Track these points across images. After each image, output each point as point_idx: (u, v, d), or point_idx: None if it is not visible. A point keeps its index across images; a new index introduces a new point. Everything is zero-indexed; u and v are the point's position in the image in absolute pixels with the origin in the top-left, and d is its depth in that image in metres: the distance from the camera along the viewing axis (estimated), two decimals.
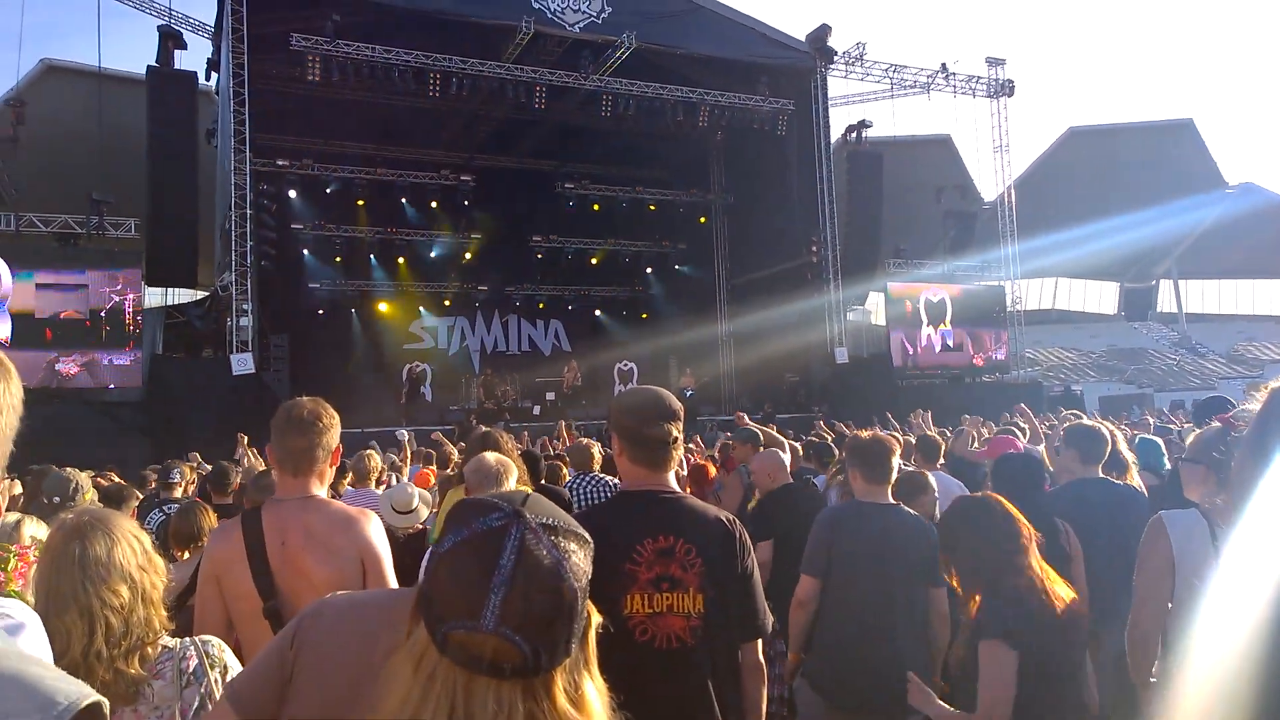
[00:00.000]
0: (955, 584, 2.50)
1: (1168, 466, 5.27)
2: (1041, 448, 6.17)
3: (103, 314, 14.79)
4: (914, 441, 6.19)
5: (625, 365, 23.44)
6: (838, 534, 3.43)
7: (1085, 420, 5.62)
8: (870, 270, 21.79)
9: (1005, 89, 23.34)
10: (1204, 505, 2.60)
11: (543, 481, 5.00)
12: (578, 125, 20.58)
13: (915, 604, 3.32)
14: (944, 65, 22.63)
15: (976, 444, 6.98)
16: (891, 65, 22.25)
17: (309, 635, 1.37)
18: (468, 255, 23.00)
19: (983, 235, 24.13)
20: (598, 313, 25.43)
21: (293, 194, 19.90)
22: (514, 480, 3.03)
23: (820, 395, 19.70)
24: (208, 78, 17.77)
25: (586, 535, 1.08)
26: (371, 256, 22.04)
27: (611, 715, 1.10)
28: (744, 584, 2.27)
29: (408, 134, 20.65)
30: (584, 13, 17.68)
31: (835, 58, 20.89)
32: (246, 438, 8.25)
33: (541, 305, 24.69)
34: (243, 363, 14.94)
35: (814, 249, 20.46)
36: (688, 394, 17.65)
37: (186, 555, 3.69)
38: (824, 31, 20.52)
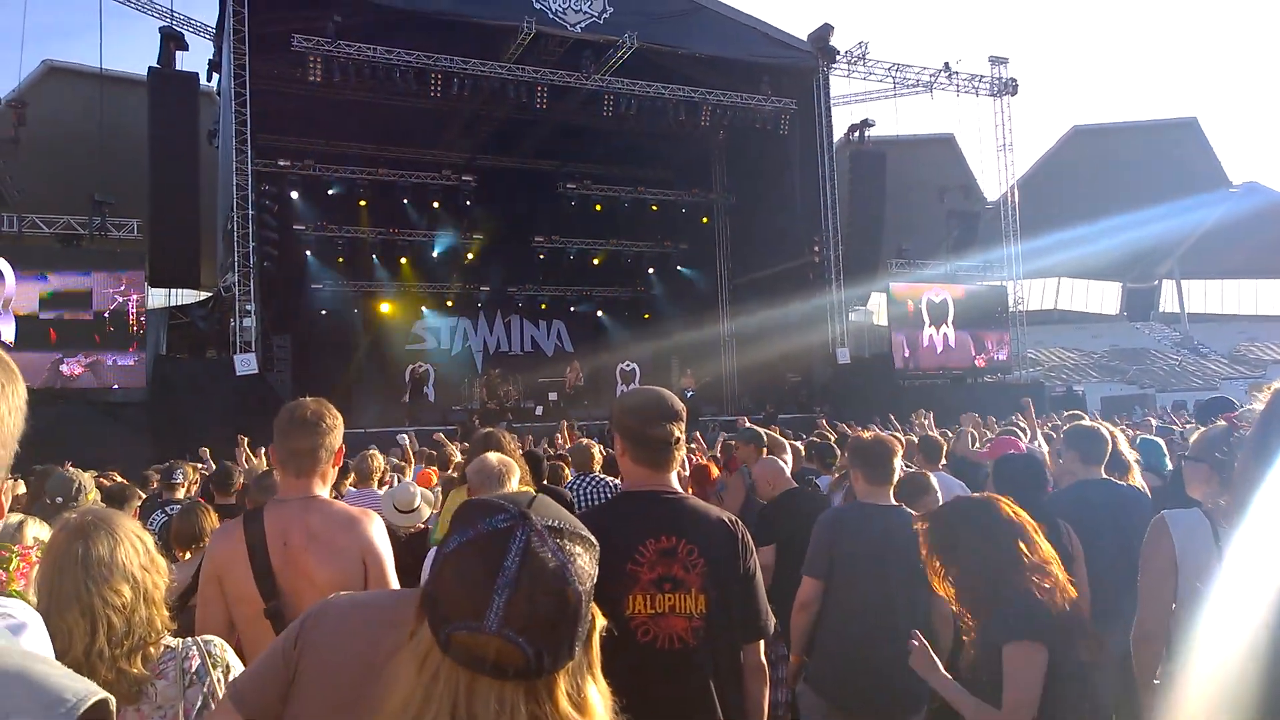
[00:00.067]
0: (942, 587, 2.45)
1: (1169, 467, 5.27)
2: (1046, 451, 6.16)
3: (106, 315, 14.82)
4: (916, 442, 6.19)
5: (627, 365, 23.45)
6: (839, 536, 3.42)
7: (1084, 421, 5.60)
8: (872, 270, 21.77)
9: (1009, 88, 23.29)
10: (1207, 505, 2.60)
11: (544, 482, 5.01)
12: (579, 125, 20.57)
13: (917, 605, 3.31)
14: (947, 64, 22.58)
15: (978, 444, 6.97)
16: (894, 64, 22.22)
17: (312, 636, 1.37)
18: (470, 256, 23.03)
19: (985, 235, 24.10)
20: (600, 313, 25.45)
21: (294, 195, 19.93)
22: (516, 480, 3.03)
23: (822, 396, 19.68)
24: (209, 78, 17.77)
25: (592, 539, 1.08)
26: (374, 257, 22.05)
27: (614, 719, 1.10)
28: (746, 585, 2.27)
29: (409, 134, 20.65)
30: (585, 13, 17.68)
31: (838, 57, 20.87)
32: (246, 440, 8.25)
33: (544, 305, 24.72)
34: (246, 363, 14.97)
35: (816, 249, 20.45)
36: (688, 394, 17.65)
37: (188, 556, 3.69)
38: (826, 31, 20.51)
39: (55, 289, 14.62)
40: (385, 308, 22.84)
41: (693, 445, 8.82)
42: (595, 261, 24.29)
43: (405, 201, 21.03)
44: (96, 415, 14.09)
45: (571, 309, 24.96)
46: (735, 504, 5.30)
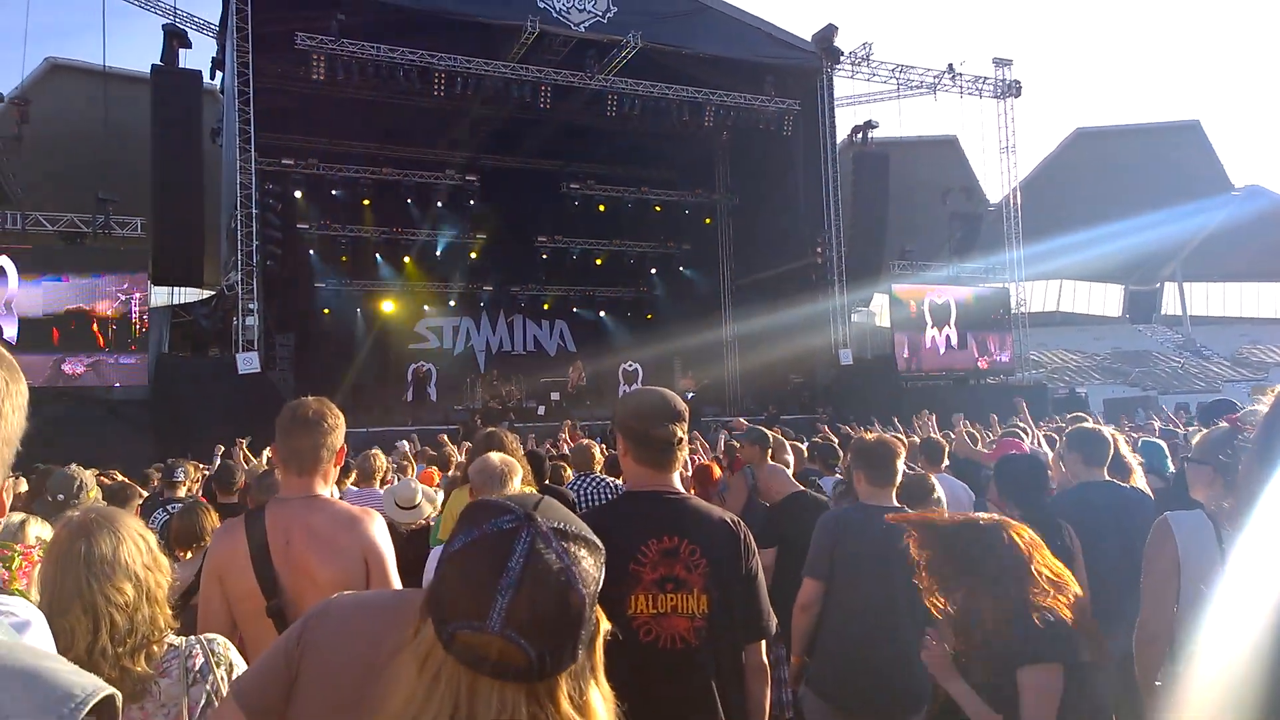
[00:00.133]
0: (940, 602, 2.42)
1: (1171, 469, 5.26)
2: (1051, 456, 6.14)
3: (109, 313, 14.84)
4: (918, 443, 6.18)
5: (630, 366, 23.46)
6: (841, 537, 3.41)
7: (1087, 423, 5.59)
8: (875, 272, 21.73)
9: (1012, 90, 23.27)
10: (1210, 508, 2.60)
11: (546, 482, 5.02)
12: (583, 125, 20.57)
13: (918, 607, 3.30)
14: (951, 66, 22.55)
15: (980, 444, 6.96)
16: (898, 65, 22.20)
17: (315, 635, 1.37)
18: (473, 255, 23.06)
19: (988, 237, 24.06)
20: (602, 313, 25.46)
21: (298, 194, 19.95)
22: (519, 480, 3.03)
23: (824, 397, 19.66)
24: (212, 76, 17.79)
25: (598, 542, 1.07)
26: (377, 256, 22.09)
27: None
28: (748, 585, 2.27)
29: (413, 134, 20.67)
30: (589, 12, 17.68)
31: (841, 58, 20.86)
32: (245, 442, 8.24)
33: (546, 305, 24.75)
34: (248, 362, 14.98)
35: (819, 250, 20.44)
36: (688, 396, 17.64)
37: (189, 555, 3.69)
38: (830, 31, 20.49)
39: (58, 289, 14.64)
40: (388, 307, 22.86)
41: (695, 445, 8.82)
42: (598, 262, 24.30)
43: (408, 201, 21.06)
44: (98, 414, 14.11)
45: (574, 309, 24.98)
46: (737, 505, 5.30)
